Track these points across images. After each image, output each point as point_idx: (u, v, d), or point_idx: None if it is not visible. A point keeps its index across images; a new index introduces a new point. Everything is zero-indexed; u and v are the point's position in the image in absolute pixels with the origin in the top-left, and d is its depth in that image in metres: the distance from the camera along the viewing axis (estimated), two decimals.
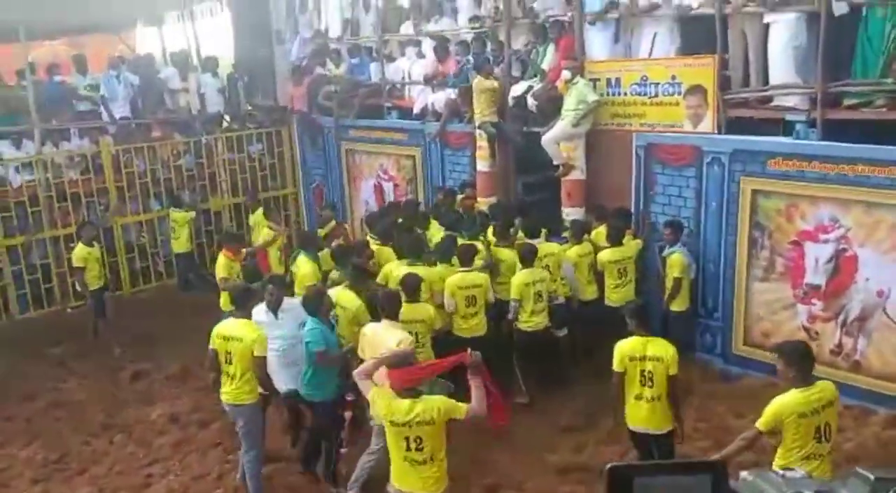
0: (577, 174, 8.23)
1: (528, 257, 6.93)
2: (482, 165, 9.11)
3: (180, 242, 10.63)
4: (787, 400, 4.27)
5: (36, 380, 8.30)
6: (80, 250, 8.71)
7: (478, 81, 8.72)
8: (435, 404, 4.35)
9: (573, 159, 8.18)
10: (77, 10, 11.12)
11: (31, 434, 7.20)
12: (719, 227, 7.38)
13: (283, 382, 6.09)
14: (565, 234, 7.86)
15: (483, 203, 8.96)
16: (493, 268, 7.28)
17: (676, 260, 7.32)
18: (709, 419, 6.57)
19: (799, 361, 4.33)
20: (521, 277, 6.91)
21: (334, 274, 7.15)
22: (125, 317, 9.51)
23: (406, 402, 4.32)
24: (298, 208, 12.44)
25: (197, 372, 8.24)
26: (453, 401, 4.44)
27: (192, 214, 10.64)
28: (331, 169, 11.61)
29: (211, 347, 5.69)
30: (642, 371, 5.16)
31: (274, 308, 6.06)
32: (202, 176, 11.43)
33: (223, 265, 7.65)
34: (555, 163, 8.34)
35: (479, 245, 7.42)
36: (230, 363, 5.56)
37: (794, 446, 4.24)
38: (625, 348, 5.22)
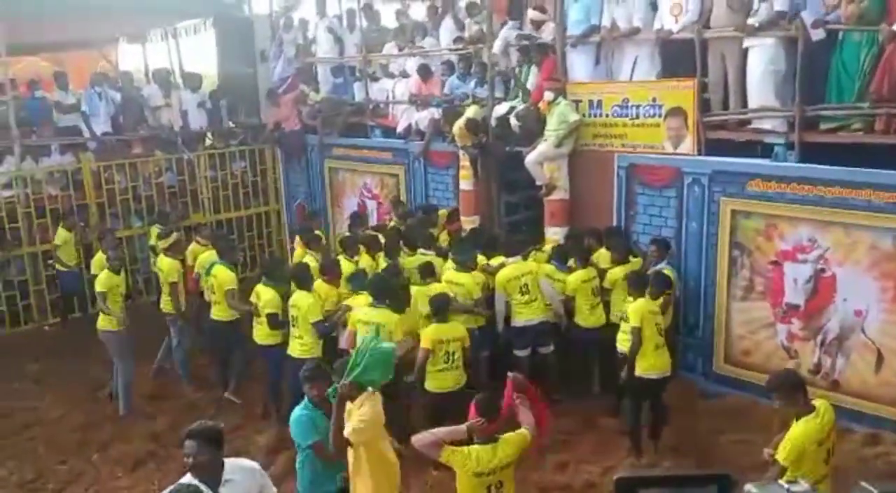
0: (561, 194, 8.30)
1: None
2: (465, 184, 9.16)
3: None
4: (806, 431, 4.23)
5: (11, 398, 8.16)
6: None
7: (459, 126, 8.76)
8: (512, 441, 4.22)
9: (556, 179, 8.25)
10: (59, 27, 11.11)
11: (6, 454, 7.07)
12: (700, 246, 7.46)
13: None
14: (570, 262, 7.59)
15: (466, 222, 9.00)
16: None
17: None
18: (691, 437, 6.59)
19: (794, 391, 4.34)
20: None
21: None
22: None
23: (488, 448, 4.16)
24: (281, 226, 12.40)
25: (176, 389, 8.19)
26: (520, 433, 4.29)
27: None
28: (314, 187, 11.62)
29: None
30: (656, 324, 6.22)
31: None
32: (184, 193, 11.37)
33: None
34: (538, 183, 8.40)
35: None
36: None
37: (808, 472, 4.16)
38: (643, 307, 6.18)
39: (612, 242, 7.62)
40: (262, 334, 7.38)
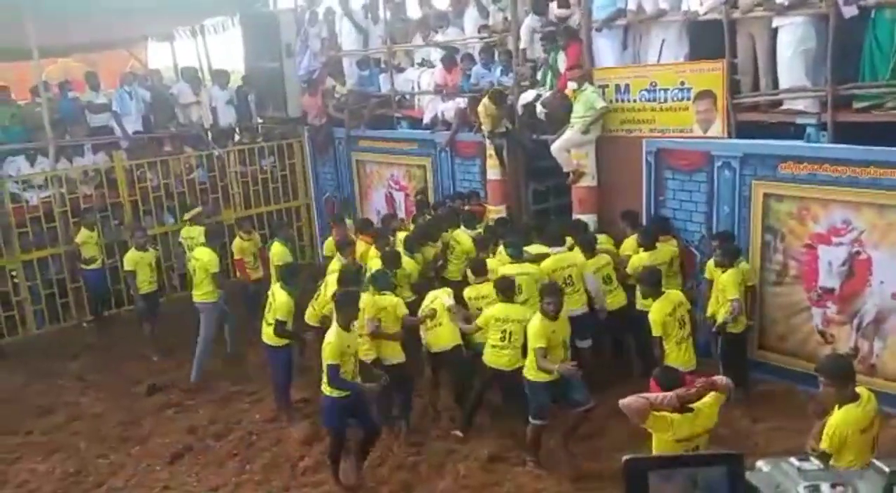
0: (588, 181, 8.24)
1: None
2: (492, 174, 9.13)
3: None
4: (847, 418, 4.14)
5: (53, 394, 8.37)
6: (131, 255, 8.96)
7: (485, 106, 8.71)
8: (709, 409, 4.30)
9: (584, 166, 8.19)
10: (88, 28, 11.28)
11: (50, 448, 7.25)
12: (731, 231, 7.35)
13: None
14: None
15: (494, 211, 8.98)
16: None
17: (744, 269, 6.84)
18: (726, 424, 6.50)
19: (846, 380, 4.24)
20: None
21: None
22: (141, 328, 9.61)
23: (688, 416, 4.23)
24: (310, 220, 12.50)
25: (214, 384, 8.33)
26: (713, 395, 4.31)
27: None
28: (342, 180, 11.68)
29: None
30: (680, 317, 6.12)
31: None
32: (215, 189, 11.51)
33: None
34: (565, 170, 8.35)
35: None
36: None
37: (854, 461, 4.10)
38: (660, 310, 6.00)
39: (643, 228, 7.53)
40: (269, 335, 7.21)
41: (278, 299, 7.12)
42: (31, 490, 6.60)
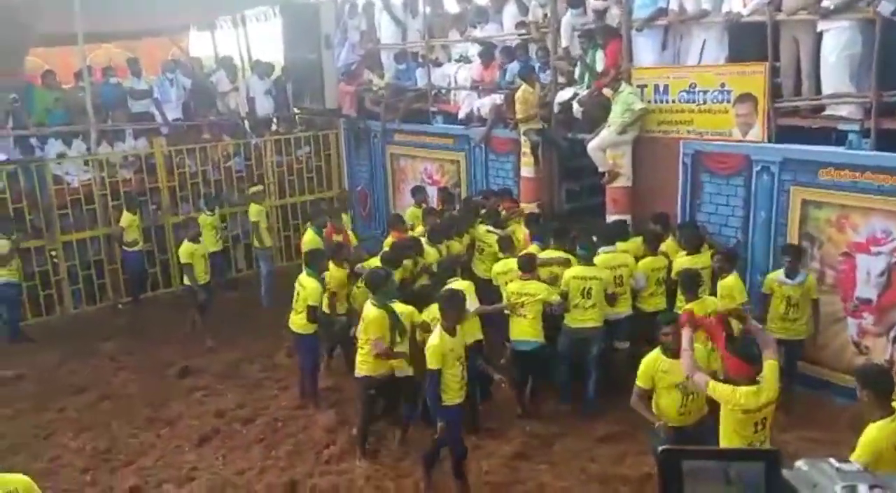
0: (623, 181, 8.17)
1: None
2: (526, 171, 9.10)
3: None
4: (883, 432, 4.05)
5: (87, 374, 8.55)
6: (185, 247, 9.08)
7: (522, 91, 8.69)
8: (771, 381, 4.44)
9: (619, 166, 8.13)
10: (132, 15, 11.45)
11: (81, 426, 7.41)
12: (768, 237, 7.26)
13: None
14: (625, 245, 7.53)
15: (526, 208, 8.95)
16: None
17: (811, 283, 6.77)
18: None
19: (886, 394, 4.16)
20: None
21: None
22: (175, 312, 9.78)
23: (753, 389, 4.40)
24: (344, 211, 12.55)
25: (244, 369, 8.44)
26: (770, 365, 4.49)
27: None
28: (376, 172, 11.74)
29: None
30: None
31: None
32: (251, 178, 11.64)
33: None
34: (600, 170, 8.29)
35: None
36: None
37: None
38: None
39: (683, 231, 7.43)
40: (298, 323, 7.33)
41: (308, 285, 7.22)
42: (63, 465, 6.74)
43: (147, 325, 9.76)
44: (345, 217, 9.66)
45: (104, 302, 10.55)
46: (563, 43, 8.95)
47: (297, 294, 7.34)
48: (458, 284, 6.90)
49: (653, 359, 5.18)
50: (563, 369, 7.07)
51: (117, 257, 10.50)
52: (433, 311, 6.16)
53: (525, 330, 6.81)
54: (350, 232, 9.41)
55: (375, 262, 7.58)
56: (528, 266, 6.92)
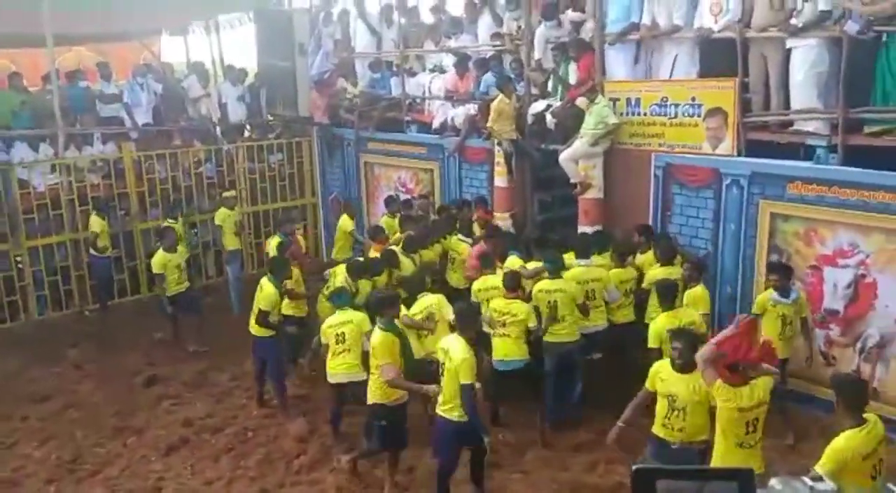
0: (595, 193, 8.24)
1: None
2: (500, 181, 9.14)
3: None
4: (850, 442, 4.09)
5: (51, 381, 8.38)
6: (159, 257, 8.87)
7: (498, 101, 8.75)
8: (765, 382, 4.57)
9: (591, 178, 8.20)
10: (103, 18, 11.32)
11: (46, 435, 7.26)
12: (737, 249, 7.37)
13: None
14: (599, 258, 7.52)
15: (499, 219, 8.99)
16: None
17: (803, 301, 6.68)
18: None
19: (852, 396, 4.22)
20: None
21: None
22: (143, 319, 9.64)
23: (746, 388, 4.49)
24: (316, 219, 12.52)
25: (213, 377, 8.33)
26: (767, 370, 4.65)
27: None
28: (349, 181, 11.71)
29: None
30: None
31: None
32: (222, 184, 11.53)
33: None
34: (572, 180, 8.36)
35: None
36: None
37: (850, 485, 4.06)
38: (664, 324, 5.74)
39: (660, 244, 7.43)
40: (254, 326, 7.39)
41: (265, 289, 7.27)
42: (27, 475, 6.60)
43: (114, 332, 9.61)
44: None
45: (70, 309, 10.36)
46: (537, 55, 9.03)
47: (256, 297, 7.38)
48: (428, 298, 6.88)
49: (660, 364, 5.19)
50: (550, 386, 6.94)
51: (84, 262, 10.33)
52: (423, 304, 6.62)
53: (510, 349, 6.68)
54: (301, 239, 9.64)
55: (342, 269, 7.64)
56: (513, 284, 6.78)
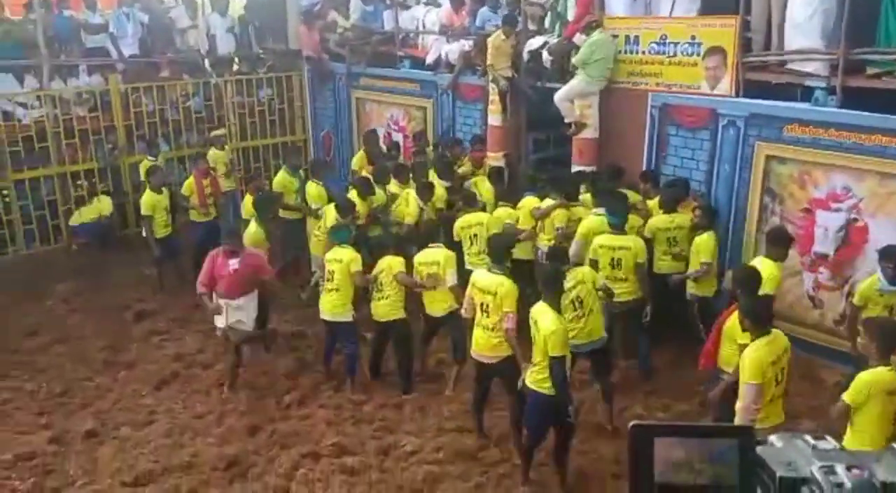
0: (590, 132, 8.13)
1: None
2: (494, 120, 9.01)
3: None
4: (878, 376, 4.23)
5: (40, 315, 8.37)
6: (147, 197, 8.60)
7: (495, 36, 8.53)
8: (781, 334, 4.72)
9: (586, 117, 8.08)
10: None
11: (35, 368, 7.27)
12: (730, 191, 7.31)
13: None
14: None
15: (493, 158, 8.89)
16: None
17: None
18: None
19: (885, 342, 4.34)
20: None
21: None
22: (131, 255, 9.60)
23: (768, 337, 4.56)
24: (307, 156, 12.34)
25: (203, 314, 8.30)
26: None
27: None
28: (340, 117, 11.51)
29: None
30: None
31: None
32: (210, 118, 11.32)
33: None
34: (567, 120, 8.24)
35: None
36: None
37: (871, 428, 4.19)
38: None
39: (667, 190, 7.28)
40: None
41: (248, 229, 7.38)
42: (18, 407, 6.63)
43: (102, 267, 9.54)
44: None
45: (58, 243, 10.28)
46: None
47: None
48: (437, 251, 6.58)
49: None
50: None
51: (71, 196, 10.21)
52: (428, 256, 6.50)
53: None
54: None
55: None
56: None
